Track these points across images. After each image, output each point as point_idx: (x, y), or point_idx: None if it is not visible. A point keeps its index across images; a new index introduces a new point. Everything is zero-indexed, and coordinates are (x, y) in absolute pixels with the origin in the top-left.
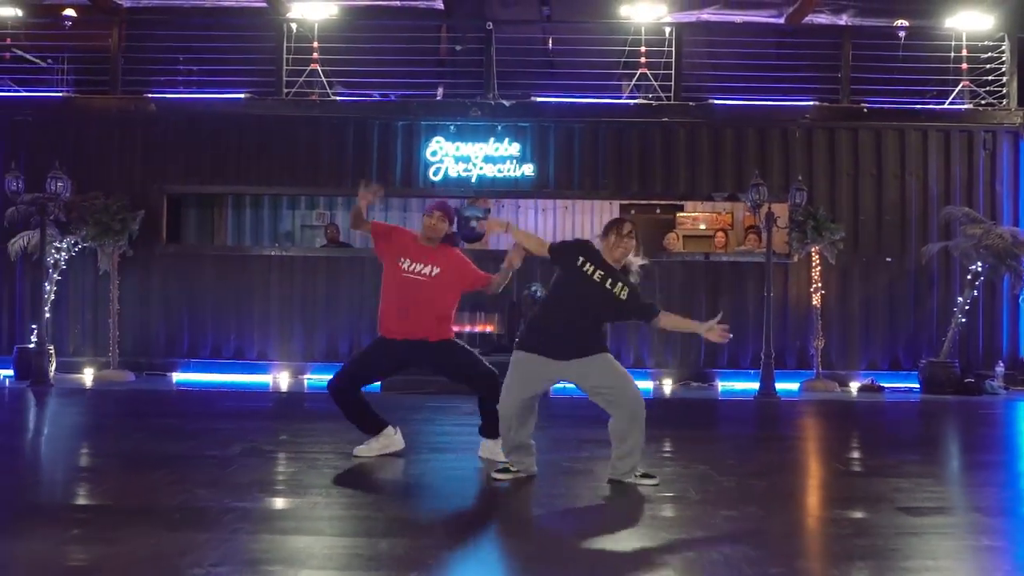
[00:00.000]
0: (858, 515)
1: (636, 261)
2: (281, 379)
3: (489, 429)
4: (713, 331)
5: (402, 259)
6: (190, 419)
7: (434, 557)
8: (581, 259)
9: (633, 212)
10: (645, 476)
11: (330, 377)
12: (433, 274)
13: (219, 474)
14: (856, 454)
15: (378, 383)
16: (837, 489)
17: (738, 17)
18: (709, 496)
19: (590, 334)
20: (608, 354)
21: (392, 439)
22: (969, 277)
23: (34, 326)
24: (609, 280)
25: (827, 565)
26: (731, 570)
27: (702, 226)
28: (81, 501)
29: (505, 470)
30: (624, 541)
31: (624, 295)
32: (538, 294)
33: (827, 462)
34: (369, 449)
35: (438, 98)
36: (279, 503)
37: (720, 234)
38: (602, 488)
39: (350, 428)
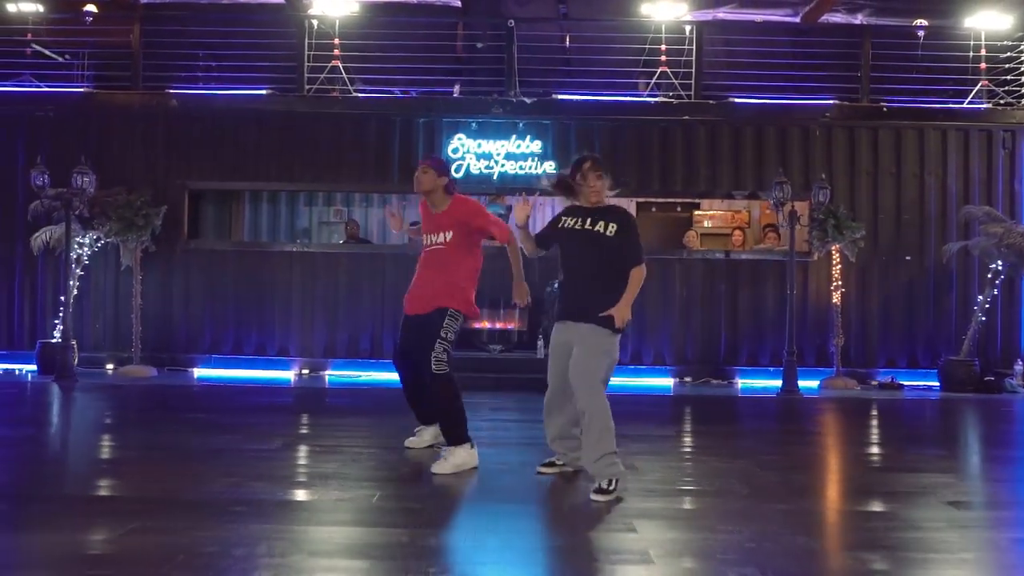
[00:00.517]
0: (906, 510)
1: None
2: (302, 375)
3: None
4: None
5: (425, 236)
6: (223, 414)
7: (499, 549)
8: (562, 220)
9: (653, 210)
10: (599, 491)
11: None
12: (448, 239)
13: (266, 467)
14: (889, 450)
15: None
16: (879, 484)
17: (753, 16)
18: (756, 490)
19: (592, 291)
20: (602, 330)
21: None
22: (989, 276)
23: (57, 321)
24: (589, 221)
25: (887, 556)
26: (791, 560)
27: (707, 223)
28: (134, 494)
29: (550, 464)
30: (681, 532)
31: (612, 231)
32: None
33: (863, 458)
34: (420, 441)
35: (454, 95)
36: (334, 495)
37: (738, 232)
38: (649, 483)
39: (382, 423)
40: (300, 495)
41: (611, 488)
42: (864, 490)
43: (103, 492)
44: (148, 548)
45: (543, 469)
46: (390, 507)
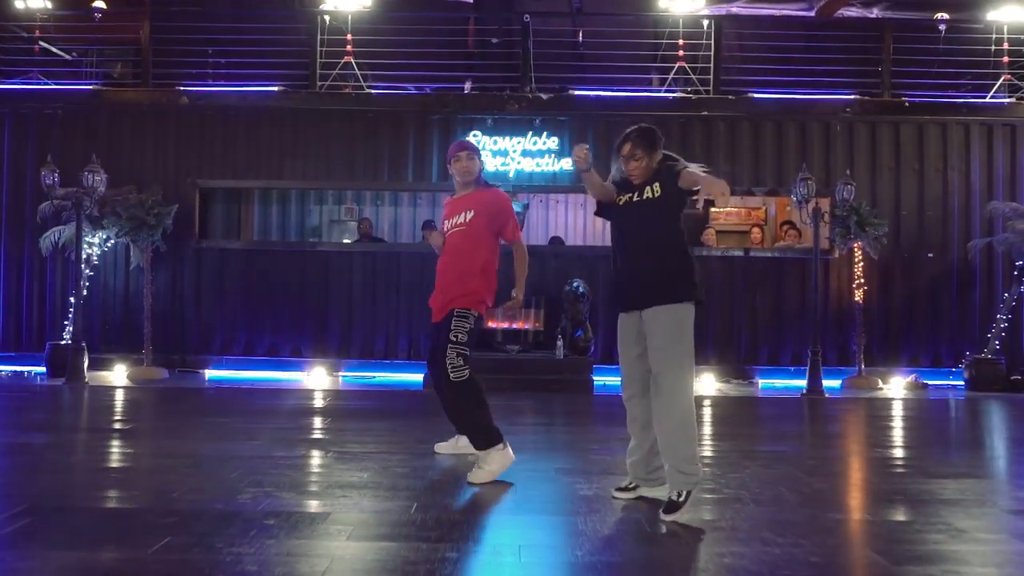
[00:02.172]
0: (967, 519)
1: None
2: (316, 376)
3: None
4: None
5: (446, 222)
6: (243, 417)
7: (553, 562)
8: (618, 194)
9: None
10: (672, 505)
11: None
12: (468, 219)
13: (295, 476)
14: (933, 454)
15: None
16: (931, 492)
17: (767, 10)
18: (807, 499)
19: (655, 268)
20: (682, 305)
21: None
22: (1016, 273)
23: (66, 322)
24: (636, 193)
25: (952, 572)
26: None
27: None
28: (162, 505)
29: (626, 488)
30: (739, 546)
31: (657, 190)
32: (580, 290)
33: (908, 462)
34: (448, 446)
35: (465, 91)
36: (370, 506)
37: (756, 230)
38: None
39: (407, 427)
40: (334, 507)
41: (682, 500)
42: (918, 498)
43: (128, 504)
44: (186, 567)
45: (619, 495)
46: (427, 519)
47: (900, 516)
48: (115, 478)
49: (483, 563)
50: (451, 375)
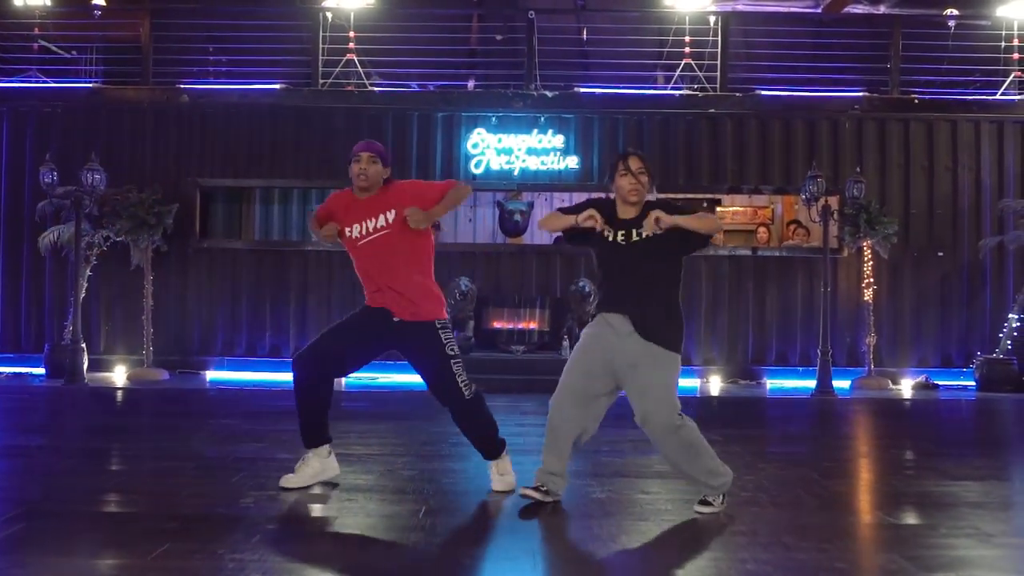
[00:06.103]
0: (994, 523)
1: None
2: None
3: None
4: None
5: (348, 230)
6: (245, 419)
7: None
8: (604, 230)
9: (679, 204)
10: (705, 503)
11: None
12: (391, 221)
13: None
14: (950, 456)
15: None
16: (952, 494)
17: (772, 8)
18: (825, 502)
19: (657, 306)
20: (673, 354)
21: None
22: None
23: (66, 323)
24: (632, 233)
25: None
26: None
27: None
28: (163, 510)
29: (538, 489)
30: (760, 552)
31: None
32: (586, 289)
33: (925, 464)
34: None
35: (469, 89)
36: (377, 510)
37: (763, 229)
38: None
39: (411, 429)
40: (340, 511)
41: (718, 502)
42: (942, 501)
43: (129, 508)
44: (185, 574)
45: (530, 492)
46: (437, 524)
47: (925, 520)
48: (115, 482)
49: (498, 569)
50: None
